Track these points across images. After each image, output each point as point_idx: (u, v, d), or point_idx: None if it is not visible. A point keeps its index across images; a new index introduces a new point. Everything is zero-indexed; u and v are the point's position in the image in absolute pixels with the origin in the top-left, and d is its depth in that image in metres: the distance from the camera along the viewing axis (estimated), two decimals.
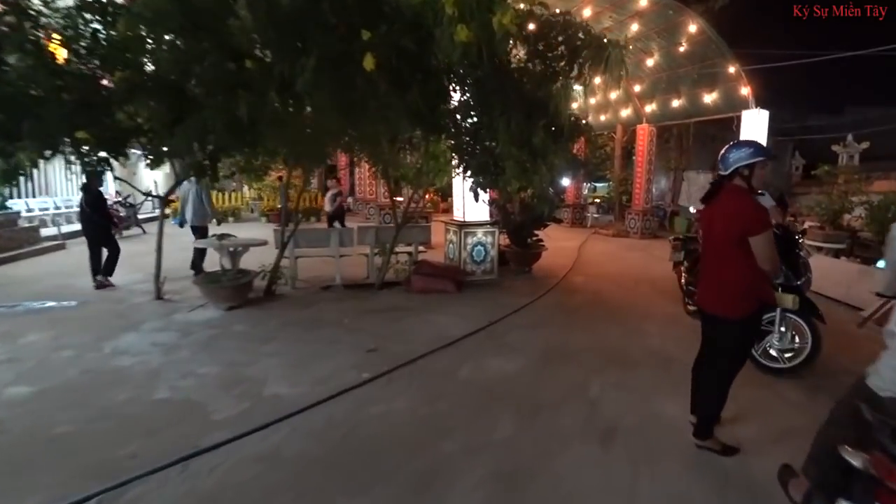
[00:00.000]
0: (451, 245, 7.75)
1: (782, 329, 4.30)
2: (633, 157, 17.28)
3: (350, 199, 22.60)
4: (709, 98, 12.31)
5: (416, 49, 3.63)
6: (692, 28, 10.89)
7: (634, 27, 11.50)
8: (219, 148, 4.53)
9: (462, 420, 3.39)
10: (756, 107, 11.32)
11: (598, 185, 28.73)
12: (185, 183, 7.56)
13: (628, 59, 13.00)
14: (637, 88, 14.22)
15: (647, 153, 14.58)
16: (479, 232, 7.46)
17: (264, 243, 7.12)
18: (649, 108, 14.28)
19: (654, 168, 15.10)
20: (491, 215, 7.71)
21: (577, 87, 4.71)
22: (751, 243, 2.58)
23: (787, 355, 4.30)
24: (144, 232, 13.18)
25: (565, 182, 19.44)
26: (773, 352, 4.33)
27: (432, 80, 3.81)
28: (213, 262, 7.46)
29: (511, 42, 3.91)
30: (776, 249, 2.62)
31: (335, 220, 10.85)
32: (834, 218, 9.30)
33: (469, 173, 4.84)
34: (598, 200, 22.27)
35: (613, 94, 15.30)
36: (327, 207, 11.16)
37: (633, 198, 15.01)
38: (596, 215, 18.39)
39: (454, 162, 5.33)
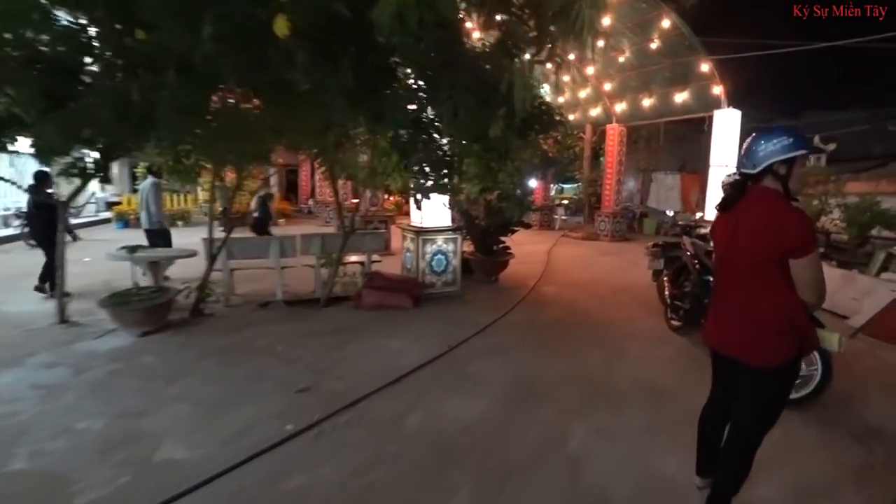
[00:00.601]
0: (408, 254, 6.94)
1: None
2: (602, 158, 16.89)
3: (310, 202, 21.55)
4: (680, 97, 11.92)
5: (352, 16, 2.83)
6: (665, 23, 10.44)
7: (606, 21, 10.99)
8: (110, 142, 3.62)
9: (407, 496, 2.61)
10: (728, 106, 10.99)
11: (565, 185, 28.45)
12: (145, 181, 6.85)
13: (598, 55, 12.48)
14: (607, 87, 13.77)
15: (618, 154, 14.15)
16: (440, 239, 6.66)
17: (193, 254, 6.20)
18: (619, 107, 13.86)
19: (625, 169, 14.68)
20: (453, 220, 6.94)
21: (544, 68, 3.89)
22: (792, 267, 1.91)
23: None
24: (76, 239, 11.86)
25: (533, 183, 19.03)
26: None
27: (370, 55, 3.02)
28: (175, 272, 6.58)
29: (464, 10, 3.16)
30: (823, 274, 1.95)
31: (261, 228, 9.54)
32: (813, 220, 8.96)
33: (412, 174, 4.00)
34: (565, 202, 21.90)
35: (583, 93, 14.86)
36: (255, 213, 9.95)
37: (604, 199, 14.57)
38: (564, 217, 17.94)
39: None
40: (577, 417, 3.43)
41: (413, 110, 3.58)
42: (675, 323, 5.47)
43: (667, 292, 5.59)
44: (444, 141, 3.92)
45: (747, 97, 11.25)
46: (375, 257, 7.01)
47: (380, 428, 3.27)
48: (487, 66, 3.40)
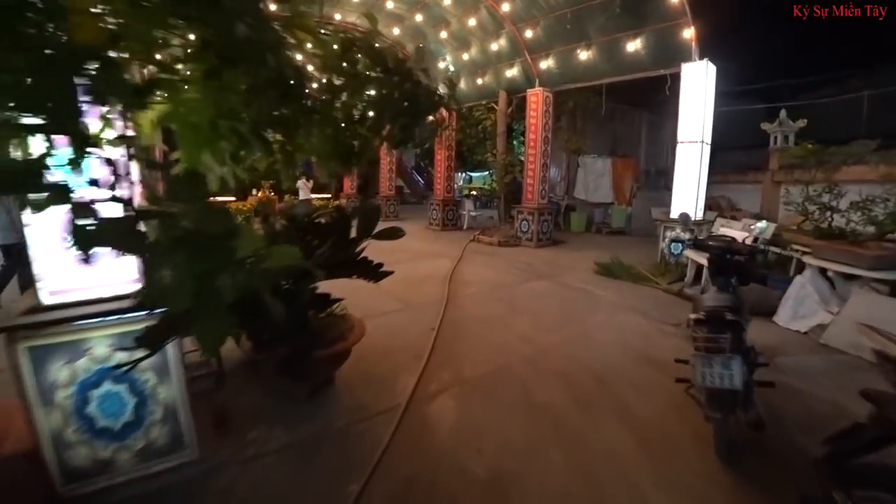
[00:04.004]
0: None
1: None
2: (515, 141, 13.30)
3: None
4: (632, 46, 8.39)
5: None
6: None
7: None
8: None
9: None
10: (701, 58, 7.60)
11: (474, 174, 24.80)
12: None
13: None
14: (528, 34, 9.95)
15: (543, 129, 10.47)
16: (96, 343, 2.02)
17: None
18: (545, 64, 10.13)
19: (552, 149, 11.06)
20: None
21: None
22: None
23: None
24: None
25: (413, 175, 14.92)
26: None
27: None
28: None
29: None
30: None
31: None
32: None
33: None
34: (474, 193, 18.23)
35: (495, 46, 10.94)
36: None
37: (525, 190, 10.86)
38: (474, 213, 14.10)
39: None
40: None
41: None
42: None
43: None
44: None
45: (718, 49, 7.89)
46: None
47: None
48: None
